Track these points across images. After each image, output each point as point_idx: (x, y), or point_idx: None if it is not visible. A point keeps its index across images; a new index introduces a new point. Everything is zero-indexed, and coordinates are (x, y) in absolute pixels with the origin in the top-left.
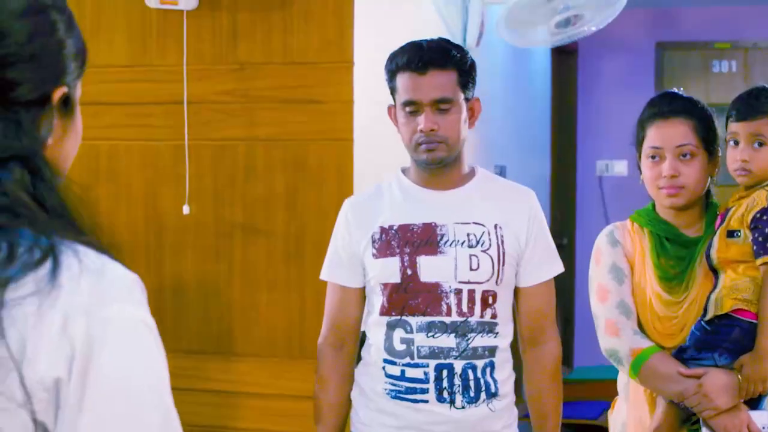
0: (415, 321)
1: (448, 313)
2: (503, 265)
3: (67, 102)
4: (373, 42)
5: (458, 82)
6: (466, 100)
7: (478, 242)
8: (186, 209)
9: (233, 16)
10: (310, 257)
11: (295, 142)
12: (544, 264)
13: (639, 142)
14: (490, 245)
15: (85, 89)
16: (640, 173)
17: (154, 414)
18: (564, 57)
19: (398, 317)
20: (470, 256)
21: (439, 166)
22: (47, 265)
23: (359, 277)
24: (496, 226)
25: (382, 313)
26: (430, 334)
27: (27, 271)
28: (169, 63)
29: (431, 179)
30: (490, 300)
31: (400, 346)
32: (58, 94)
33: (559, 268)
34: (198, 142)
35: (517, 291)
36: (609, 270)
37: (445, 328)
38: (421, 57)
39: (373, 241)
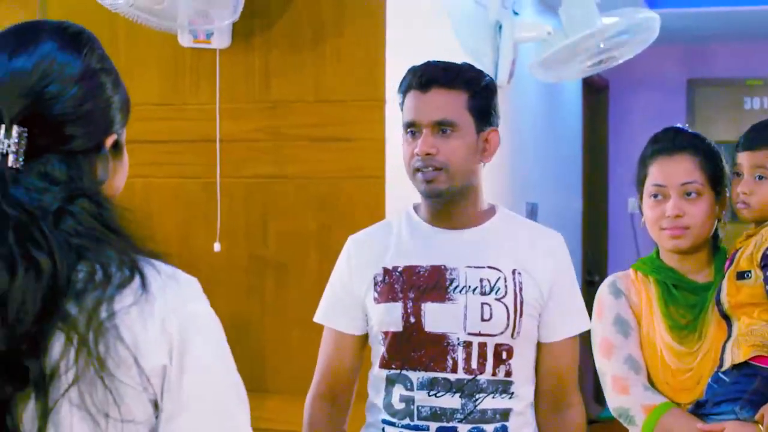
0: (416, 376)
1: (454, 369)
2: (520, 315)
3: (116, 145)
4: None
5: (467, 105)
6: (480, 129)
7: (492, 289)
8: (217, 247)
9: (265, 54)
10: None
11: (326, 180)
12: (569, 318)
13: (641, 181)
14: (506, 293)
15: None
16: (642, 215)
17: (232, 377)
18: (595, 93)
19: (398, 371)
20: (482, 304)
21: (442, 200)
22: (137, 279)
23: (359, 322)
24: (514, 272)
25: (382, 366)
26: (432, 393)
27: (124, 287)
28: (201, 101)
29: (441, 216)
30: (504, 355)
31: (399, 405)
32: (109, 141)
33: (585, 324)
34: (230, 179)
35: (537, 347)
36: (613, 323)
37: (449, 387)
38: (425, 74)
39: (375, 284)
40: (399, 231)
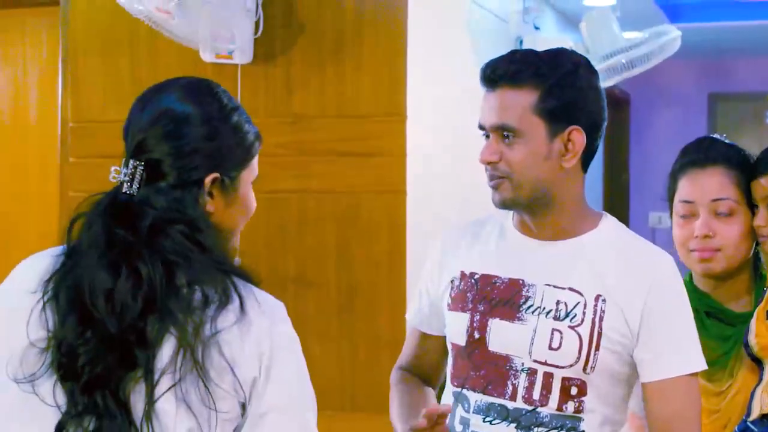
0: (474, 398)
1: (513, 397)
2: (597, 349)
3: (223, 183)
4: (425, 95)
5: (536, 106)
6: (555, 131)
7: (567, 315)
8: (237, 261)
9: (287, 69)
10: (362, 309)
11: (347, 195)
12: (670, 355)
13: (670, 197)
14: (582, 321)
15: None
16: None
17: (306, 387)
18: (617, 107)
19: (459, 389)
20: (553, 330)
21: (514, 210)
22: (236, 301)
23: (443, 323)
24: (597, 298)
25: (451, 380)
26: (487, 419)
27: (225, 307)
28: None
29: (527, 225)
30: (574, 391)
31: (458, 426)
32: (208, 180)
33: (696, 364)
34: None
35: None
36: None
37: (506, 415)
38: (492, 67)
39: (452, 288)
40: (490, 234)
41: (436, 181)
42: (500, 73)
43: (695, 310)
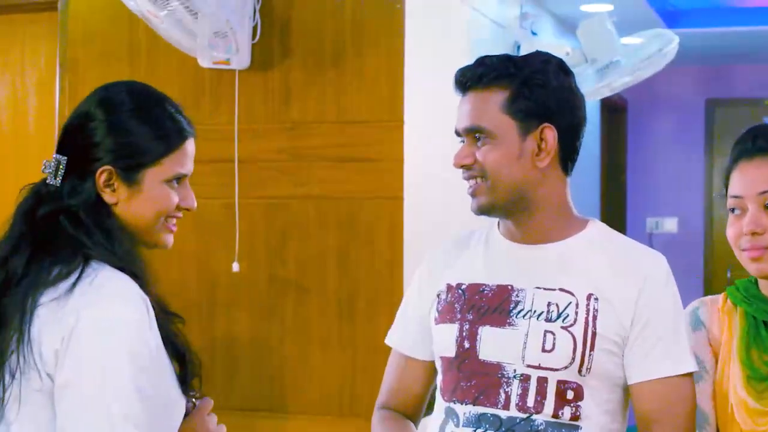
0: (463, 411)
1: (506, 406)
2: (591, 349)
3: (124, 176)
4: (423, 101)
5: (505, 105)
6: (527, 130)
7: (559, 315)
8: (236, 267)
9: (285, 75)
10: (362, 315)
11: (346, 201)
12: (658, 356)
13: (725, 194)
14: (575, 321)
15: None
16: None
17: (111, 374)
18: (614, 114)
19: (448, 403)
20: (545, 332)
21: (494, 215)
22: (72, 279)
23: (427, 346)
24: (589, 297)
25: (441, 395)
26: (478, 431)
27: (55, 284)
28: (220, 122)
29: (513, 230)
30: (570, 395)
31: None
32: (99, 173)
33: (685, 365)
34: (249, 200)
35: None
36: None
37: (499, 425)
38: (462, 73)
39: (438, 302)
40: (477, 244)
41: (434, 187)
42: (469, 76)
43: (752, 318)
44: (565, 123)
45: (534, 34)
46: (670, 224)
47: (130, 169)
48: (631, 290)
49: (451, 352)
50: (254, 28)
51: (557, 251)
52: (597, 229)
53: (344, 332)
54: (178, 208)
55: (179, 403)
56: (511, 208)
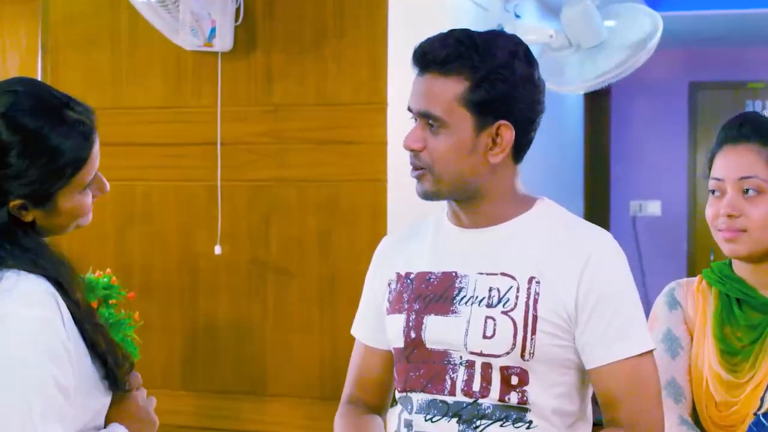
0: (416, 398)
1: (452, 392)
2: (533, 333)
3: (41, 203)
4: (407, 83)
5: (463, 97)
6: (483, 125)
7: (500, 300)
8: (218, 249)
9: (267, 58)
10: (343, 298)
11: (328, 184)
12: (612, 338)
13: (708, 176)
14: (515, 305)
15: (120, 130)
16: None
17: (20, 370)
18: (597, 98)
19: (404, 393)
20: (486, 318)
21: (437, 200)
22: None
23: (384, 335)
24: (531, 281)
25: (396, 386)
26: (428, 417)
27: None
28: (203, 104)
29: (457, 215)
30: (515, 380)
31: (402, 430)
32: (12, 206)
33: (640, 344)
34: (231, 183)
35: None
36: (662, 339)
37: (446, 410)
38: (423, 50)
39: (390, 292)
40: (426, 231)
41: None
42: (430, 58)
43: (725, 297)
44: (522, 118)
45: (518, 16)
46: (654, 207)
47: (42, 198)
48: (572, 270)
49: (400, 343)
50: (237, 11)
51: (501, 234)
52: (542, 208)
53: (325, 315)
54: (93, 197)
55: (97, 397)
56: (457, 196)
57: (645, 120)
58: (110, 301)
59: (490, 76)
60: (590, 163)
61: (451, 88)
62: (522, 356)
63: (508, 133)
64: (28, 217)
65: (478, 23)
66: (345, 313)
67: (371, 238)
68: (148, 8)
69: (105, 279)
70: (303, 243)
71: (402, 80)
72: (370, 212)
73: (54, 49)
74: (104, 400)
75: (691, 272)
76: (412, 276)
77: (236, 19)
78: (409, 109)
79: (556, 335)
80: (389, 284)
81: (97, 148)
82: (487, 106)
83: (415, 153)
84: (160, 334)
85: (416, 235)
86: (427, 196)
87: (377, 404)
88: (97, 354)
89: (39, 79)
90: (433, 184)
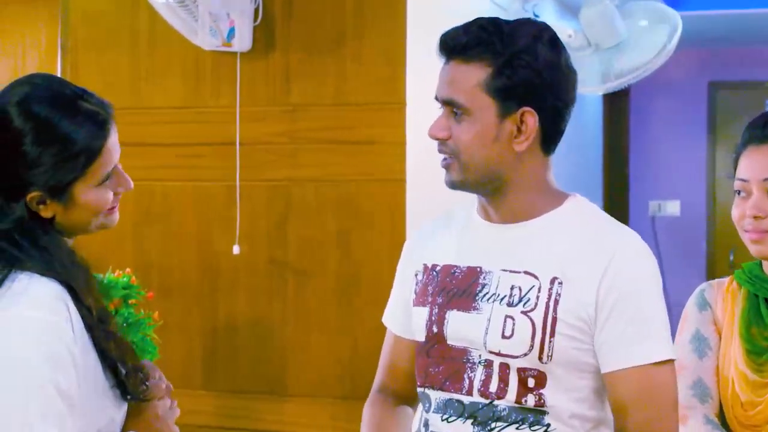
0: (434, 396)
1: (469, 392)
2: (551, 335)
3: (58, 196)
4: (425, 82)
5: (487, 83)
6: (506, 112)
7: (520, 300)
8: (236, 249)
9: (286, 58)
10: (362, 298)
11: (347, 183)
12: (630, 341)
13: (734, 176)
14: (535, 306)
15: (139, 130)
16: None
17: (20, 373)
18: (616, 98)
19: (423, 389)
20: (506, 317)
21: (465, 191)
22: None
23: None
24: (553, 281)
25: (417, 380)
26: (444, 417)
27: None
28: (222, 105)
29: (490, 208)
30: (532, 382)
31: (421, 429)
32: (29, 198)
33: (657, 352)
34: (250, 183)
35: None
36: (691, 339)
37: (462, 411)
38: (446, 38)
39: (416, 283)
40: (456, 223)
41: (436, 170)
42: (452, 45)
43: (754, 297)
44: (548, 105)
45: (536, 16)
46: (673, 207)
47: (58, 190)
48: (595, 270)
49: (422, 337)
50: (256, 11)
51: (528, 230)
52: (573, 205)
53: (344, 315)
54: (115, 195)
55: (107, 405)
56: (484, 187)
57: (664, 120)
58: (130, 301)
59: (512, 61)
60: (609, 164)
61: (474, 74)
62: (540, 358)
63: (531, 120)
64: (47, 212)
65: None
66: (364, 313)
67: (390, 238)
68: (167, 8)
69: (124, 279)
70: (322, 243)
71: (421, 79)
72: (389, 212)
73: (73, 49)
74: (116, 408)
75: (710, 272)
76: (438, 268)
77: (255, 19)
78: (436, 98)
79: (576, 338)
80: (416, 275)
81: (113, 141)
82: (509, 92)
83: (441, 141)
84: (179, 334)
85: (446, 226)
86: (453, 185)
87: (407, 394)
88: (107, 362)
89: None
90: (460, 173)
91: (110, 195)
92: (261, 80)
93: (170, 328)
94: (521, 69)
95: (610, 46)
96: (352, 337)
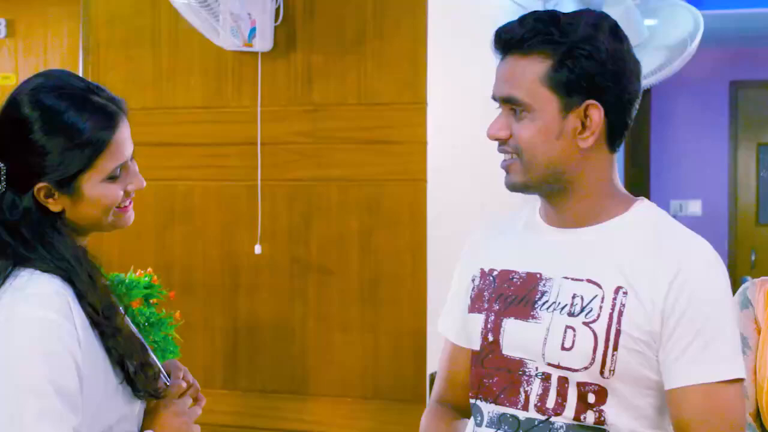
0: (486, 409)
1: (525, 407)
2: (615, 349)
3: (66, 188)
4: (447, 82)
5: (547, 76)
6: (570, 106)
7: (582, 310)
8: (258, 249)
9: (308, 58)
10: (384, 298)
11: (368, 183)
12: (695, 357)
13: None
14: (598, 317)
15: (161, 130)
16: None
17: (18, 372)
18: None
19: (474, 400)
20: (566, 327)
21: (527, 193)
22: None
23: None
24: (618, 291)
25: (469, 390)
26: None
27: None
28: (243, 104)
29: (552, 212)
30: (592, 398)
31: None
32: (36, 189)
33: (724, 371)
34: (271, 182)
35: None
36: None
37: (517, 426)
38: (503, 32)
39: (472, 288)
40: (516, 226)
41: (458, 170)
42: (508, 39)
43: None
44: (613, 98)
45: None
46: (694, 207)
47: (65, 181)
48: (661, 281)
49: (476, 345)
50: (277, 11)
51: (592, 236)
52: (640, 211)
53: (366, 315)
54: (126, 194)
55: (116, 403)
56: (547, 188)
57: (685, 119)
58: (151, 300)
59: (573, 51)
60: (630, 163)
61: (533, 68)
62: (601, 373)
63: (597, 113)
64: (56, 206)
65: None
66: (385, 313)
67: (411, 238)
68: (189, 9)
69: (146, 278)
70: (343, 242)
71: (443, 79)
72: (410, 212)
73: (95, 50)
74: (127, 405)
75: (732, 273)
76: (495, 273)
77: (276, 19)
78: (494, 98)
79: (640, 352)
80: (473, 280)
81: (123, 135)
82: (572, 85)
83: (501, 142)
84: (201, 333)
85: (506, 229)
86: (515, 187)
87: (467, 405)
88: (114, 359)
89: None
90: (522, 174)
91: (119, 192)
92: (282, 80)
93: (192, 328)
94: (583, 60)
95: (633, 46)
96: (373, 336)
